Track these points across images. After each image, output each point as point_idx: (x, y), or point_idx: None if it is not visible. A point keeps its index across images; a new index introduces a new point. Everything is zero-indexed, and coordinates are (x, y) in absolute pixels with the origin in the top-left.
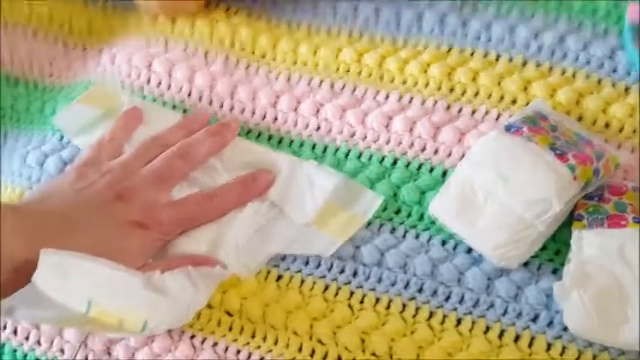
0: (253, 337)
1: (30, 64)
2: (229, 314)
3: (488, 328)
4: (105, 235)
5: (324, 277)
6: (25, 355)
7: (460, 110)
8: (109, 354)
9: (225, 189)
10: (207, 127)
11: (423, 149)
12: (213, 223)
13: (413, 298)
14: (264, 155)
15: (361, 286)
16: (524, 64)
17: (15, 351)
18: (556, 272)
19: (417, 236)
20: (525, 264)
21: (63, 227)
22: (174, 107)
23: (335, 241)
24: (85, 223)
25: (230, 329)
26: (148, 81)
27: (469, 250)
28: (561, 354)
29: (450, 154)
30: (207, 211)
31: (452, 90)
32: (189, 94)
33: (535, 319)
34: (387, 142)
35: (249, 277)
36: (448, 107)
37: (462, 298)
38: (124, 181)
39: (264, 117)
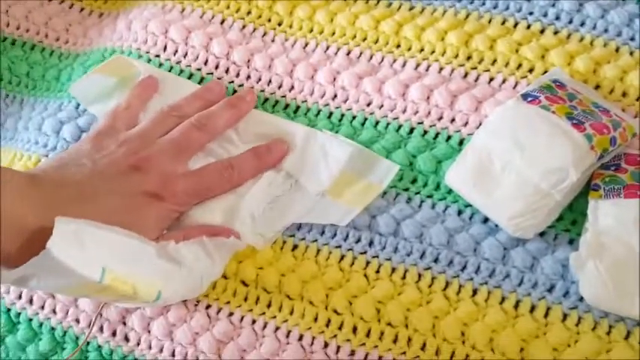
0: (269, 306)
1: (46, 31)
2: (245, 284)
3: (504, 299)
4: (120, 206)
5: (339, 246)
6: (41, 324)
7: (477, 78)
8: (124, 324)
9: (240, 160)
10: (225, 98)
11: (440, 118)
12: (228, 193)
13: (429, 268)
14: (279, 126)
15: (377, 256)
16: (542, 31)
17: (30, 320)
18: (572, 242)
19: (433, 206)
20: (541, 234)
21: (78, 197)
22: (190, 75)
23: (351, 210)
24: (101, 194)
25: (245, 299)
26: (165, 48)
27: (485, 220)
28: (577, 324)
29: (466, 123)
30: (222, 182)
31: (469, 58)
32: (206, 63)
33: (551, 289)
34: (404, 111)
35: (264, 247)
36: (465, 75)
37: (478, 268)
38: (140, 151)
39: (280, 86)
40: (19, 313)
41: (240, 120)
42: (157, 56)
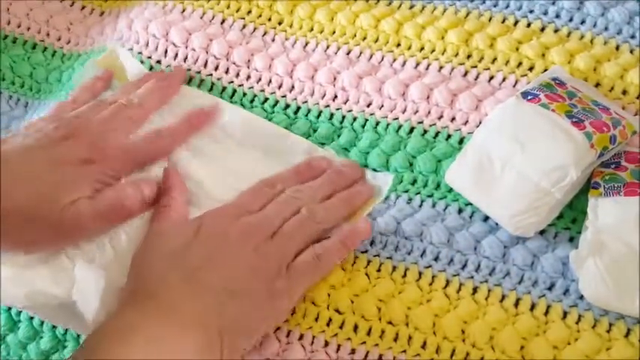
0: None
1: (47, 29)
2: None
3: (504, 297)
4: (54, 172)
5: None
6: (42, 323)
7: (477, 77)
8: None
9: (171, 126)
10: (154, 78)
11: (440, 117)
12: (225, 195)
13: (429, 267)
14: (279, 139)
15: (378, 255)
16: (543, 29)
17: (31, 318)
18: (572, 240)
19: (434, 205)
20: (541, 232)
21: (6, 169)
22: (190, 79)
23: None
24: (27, 163)
25: None
26: (165, 53)
27: (485, 219)
28: (577, 322)
29: (466, 122)
30: (155, 146)
31: (469, 56)
32: (206, 65)
33: (551, 287)
34: (404, 111)
35: None
36: (465, 74)
37: (478, 266)
38: (72, 124)
39: (280, 86)
40: (20, 312)
41: (170, 97)
42: (159, 62)
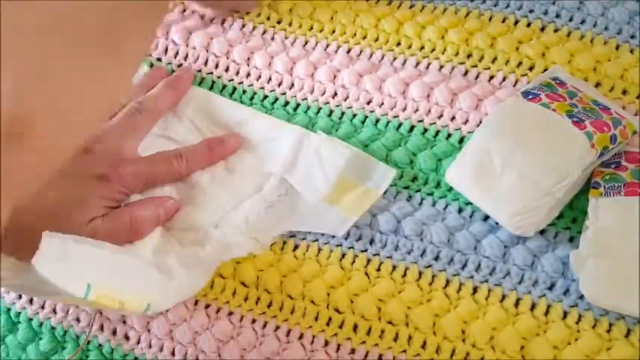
0: (269, 306)
1: None
2: (245, 285)
3: (504, 297)
4: (69, 188)
5: (340, 245)
6: (41, 324)
7: (478, 76)
8: (125, 323)
9: (191, 150)
10: (164, 80)
11: (440, 116)
12: (180, 183)
13: (429, 266)
14: (271, 126)
15: (378, 254)
16: (543, 29)
17: (30, 320)
18: (573, 240)
19: (434, 204)
20: (542, 232)
21: None
22: None
23: (348, 218)
24: (53, 178)
25: (246, 299)
26: (166, 51)
27: (486, 218)
28: (577, 322)
29: (467, 121)
30: (171, 170)
31: (469, 55)
32: (206, 63)
33: (551, 287)
34: (404, 109)
35: (260, 251)
36: (466, 73)
37: (479, 266)
38: (89, 134)
39: (280, 83)
40: (19, 313)
41: (180, 99)
42: (159, 60)
